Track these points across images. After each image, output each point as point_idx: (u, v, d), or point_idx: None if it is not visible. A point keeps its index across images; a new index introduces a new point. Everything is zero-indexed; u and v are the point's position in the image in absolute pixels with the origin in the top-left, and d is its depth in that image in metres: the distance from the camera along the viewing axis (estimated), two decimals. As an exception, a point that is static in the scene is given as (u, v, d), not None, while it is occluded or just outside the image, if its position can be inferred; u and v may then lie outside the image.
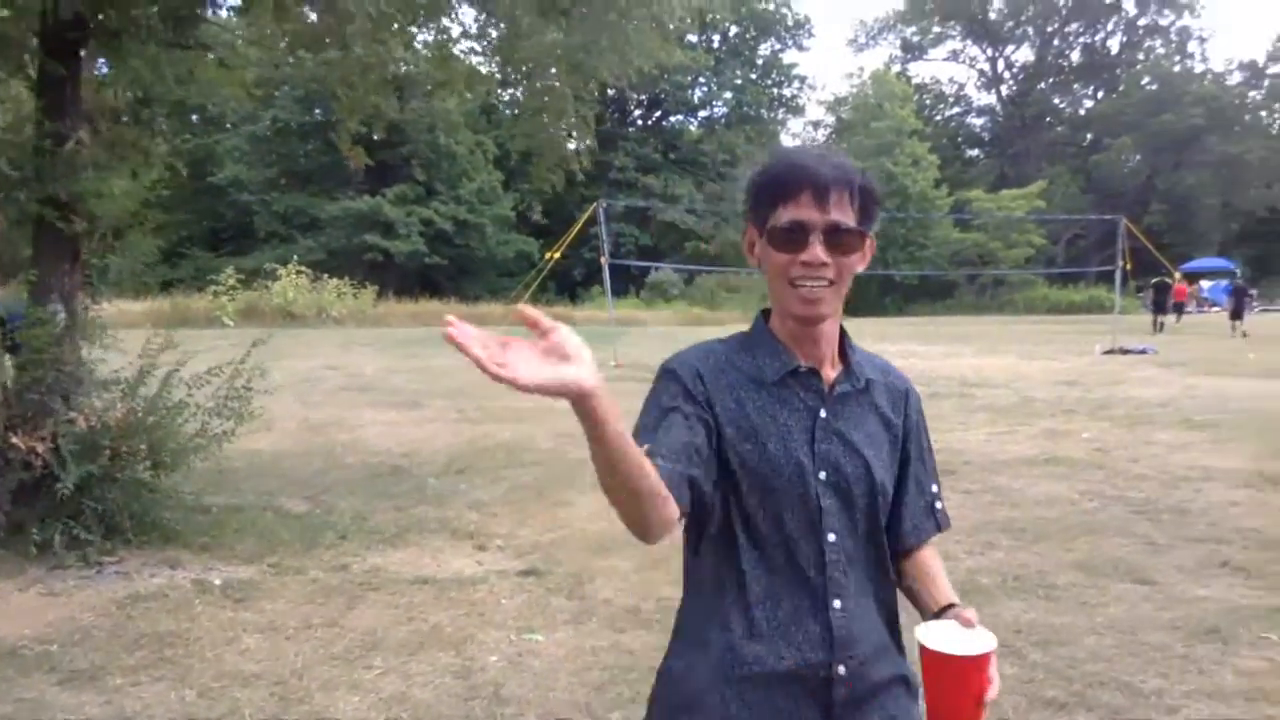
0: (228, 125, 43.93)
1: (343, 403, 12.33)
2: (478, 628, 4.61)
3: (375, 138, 11.19)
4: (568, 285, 47.14)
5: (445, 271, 46.82)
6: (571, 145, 9.87)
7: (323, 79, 8.31)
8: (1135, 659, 4.09)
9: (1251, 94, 68.83)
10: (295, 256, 32.54)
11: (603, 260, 17.61)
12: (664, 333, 30.82)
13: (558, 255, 16.35)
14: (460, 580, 5.42)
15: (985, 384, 14.27)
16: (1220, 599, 4.78)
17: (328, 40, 7.19)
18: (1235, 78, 68.88)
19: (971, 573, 5.31)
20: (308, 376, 14.38)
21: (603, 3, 7.79)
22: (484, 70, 9.57)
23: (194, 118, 36.65)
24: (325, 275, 31.93)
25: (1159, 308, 32.61)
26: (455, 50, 8.59)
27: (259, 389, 6.46)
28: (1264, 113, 68.46)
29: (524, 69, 8.12)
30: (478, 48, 9.55)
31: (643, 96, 57.57)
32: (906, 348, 22.67)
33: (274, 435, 9.13)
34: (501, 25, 8.68)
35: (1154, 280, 35.20)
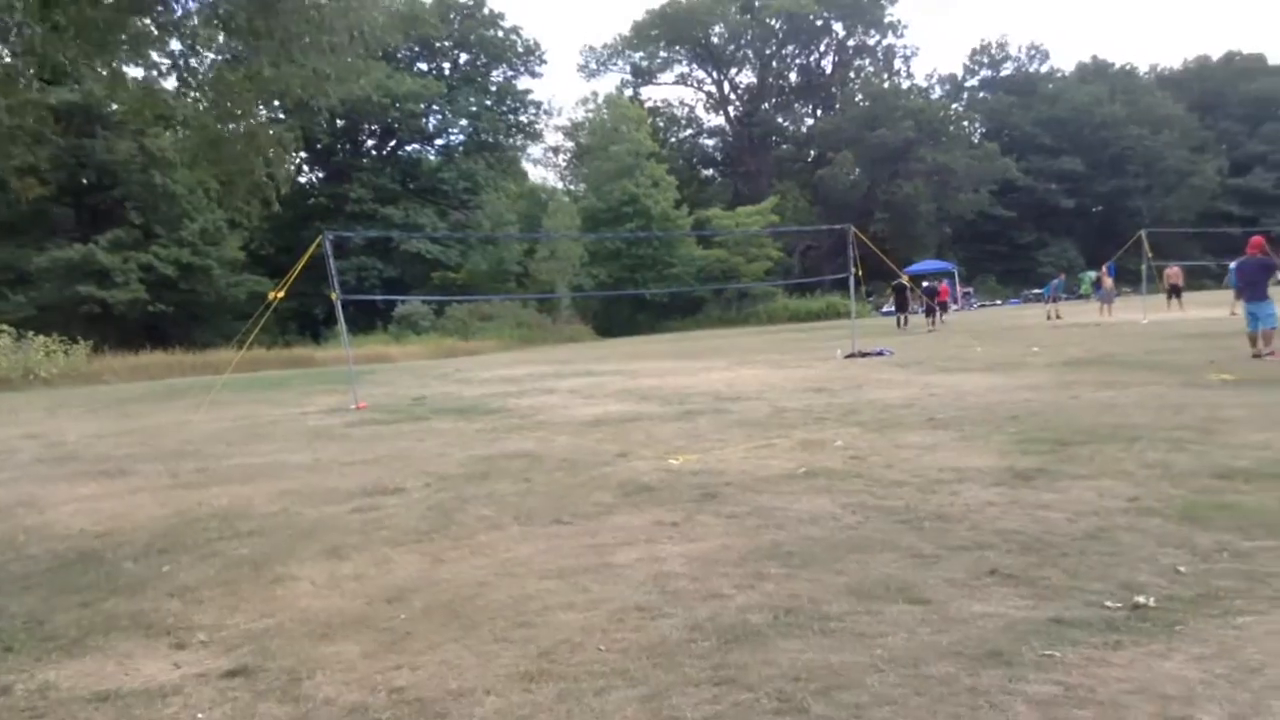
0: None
1: (36, 478, 10.75)
2: (160, 763, 3.71)
3: (84, 181, 9.81)
4: (310, 325, 44.92)
5: (171, 319, 43.54)
6: (288, 168, 8.92)
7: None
8: (923, 698, 3.71)
9: (954, 106, 74.79)
10: (-4, 316, 29.21)
11: (333, 297, 16.51)
12: (415, 368, 29.72)
13: (281, 295, 15.12)
14: (150, 692, 4.45)
15: (739, 397, 14.22)
16: (996, 614, 4.52)
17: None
18: (938, 91, 74.70)
19: (743, 611, 4.84)
20: (-5, 451, 12.53)
21: (295, 16, 6.98)
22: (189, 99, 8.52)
23: None
24: (31, 333, 28.85)
25: (901, 308, 34.55)
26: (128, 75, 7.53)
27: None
28: (965, 123, 74.56)
29: (205, 88, 7.19)
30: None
31: (374, 126, 55.95)
32: (661, 365, 22.67)
33: (-68, 530, 7.66)
34: (198, 52, 7.72)
35: (894, 283, 37.38)
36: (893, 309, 49.74)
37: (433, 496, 8.26)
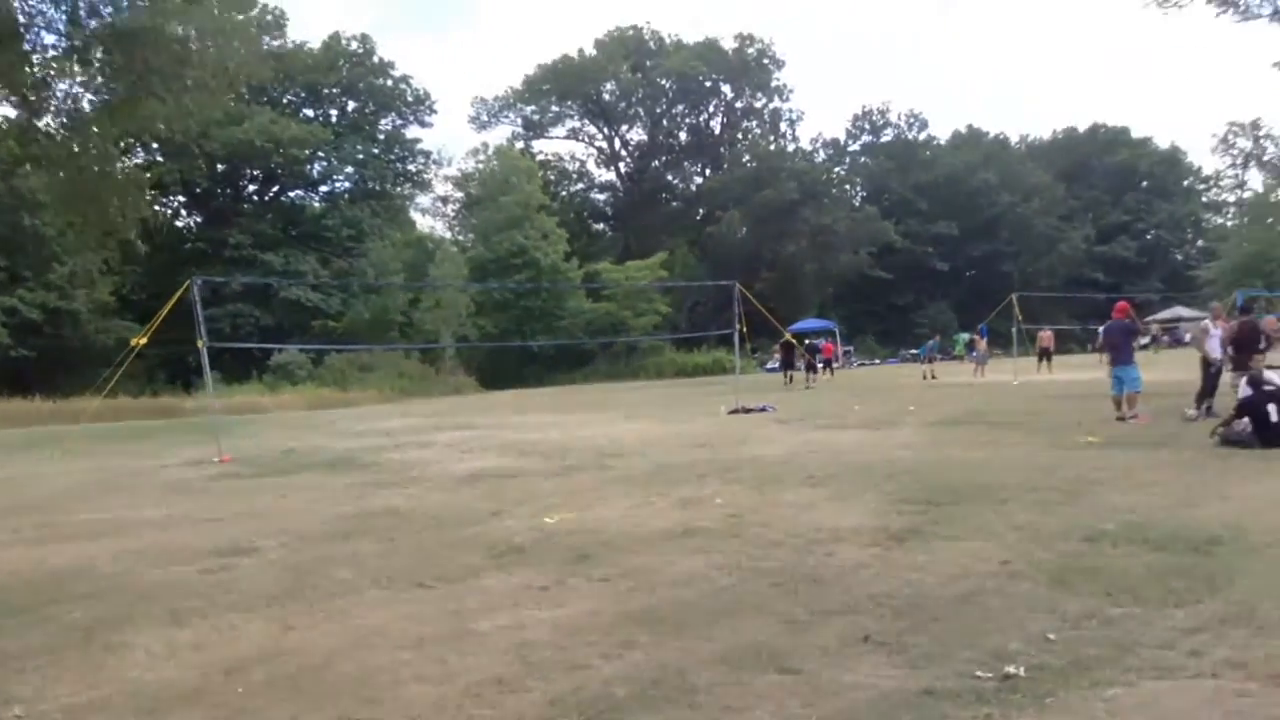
0: None
1: None
2: None
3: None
4: (181, 373, 43.19)
5: (36, 365, 41.41)
6: (148, 212, 8.46)
7: None
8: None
9: (837, 169, 76.99)
10: None
11: (200, 345, 15.83)
12: (288, 419, 28.75)
13: (143, 341, 14.44)
14: (-54, 782, 3.99)
15: (621, 453, 14.04)
16: (867, 684, 4.38)
17: None
18: (822, 155, 76.82)
19: (608, 684, 4.60)
20: None
21: (156, 50, 6.64)
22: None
23: None
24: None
25: (787, 365, 35.06)
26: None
27: None
28: (848, 186, 76.78)
29: (62, 123, 6.78)
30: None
31: (257, 171, 54.73)
32: (546, 419, 22.38)
33: None
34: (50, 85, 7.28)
35: (781, 340, 38.01)
36: (777, 365, 50.53)
37: (289, 557, 7.83)
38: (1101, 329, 17.41)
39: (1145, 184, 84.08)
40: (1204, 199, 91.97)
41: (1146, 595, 5.51)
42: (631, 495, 10.07)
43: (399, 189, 62.29)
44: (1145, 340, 39.18)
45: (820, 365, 41.85)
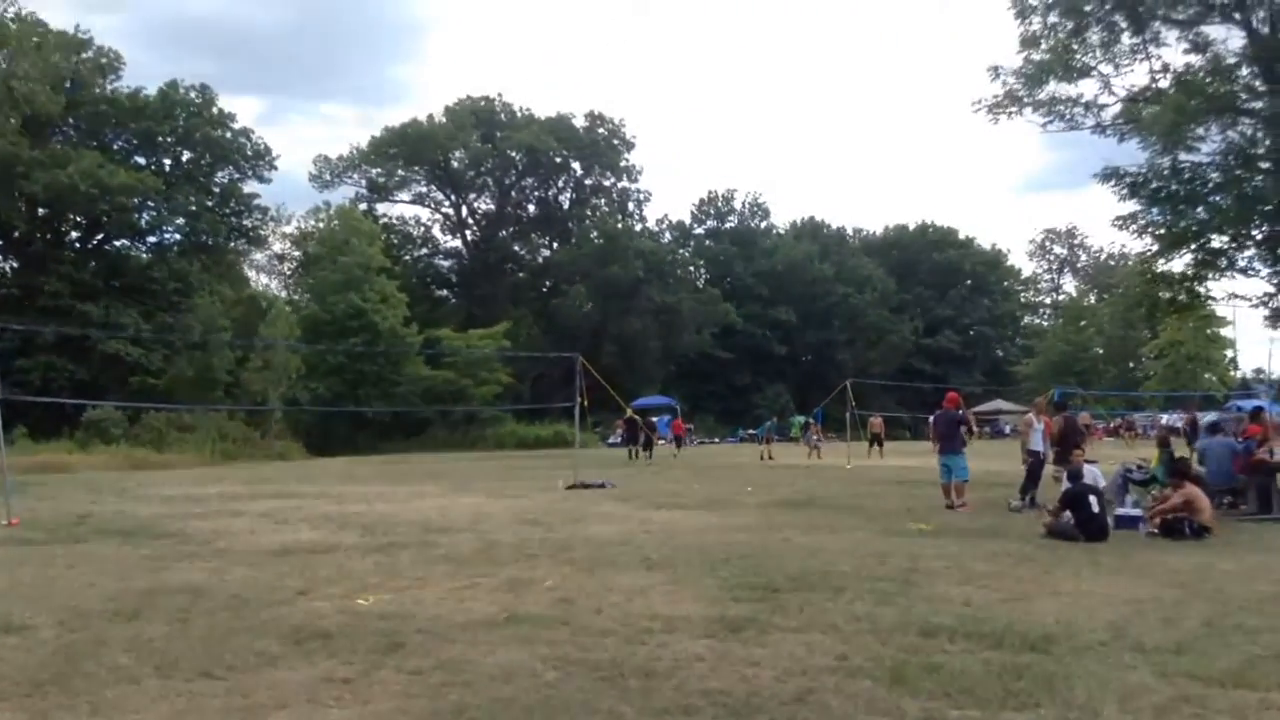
0: None
1: None
2: None
3: None
4: (-25, 426, 39.77)
5: None
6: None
7: None
8: None
9: (681, 251, 78.37)
10: None
11: (-8, 396, 14.40)
12: (95, 479, 26.66)
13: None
14: None
15: (449, 528, 13.35)
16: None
17: None
18: (668, 236, 78.11)
19: (408, 800, 4.04)
20: None
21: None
22: None
23: None
24: None
25: (631, 440, 34.87)
26: None
27: None
28: (691, 267, 78.18)
29: None
30: None
31: (80, 217, 51.71)
32: (374, 489, 21.38)
33: None
34: None
35: (625, 416, 37.95)
36: (619, 440, 50.41)
37: (64, 637, 6.93)
38: (932, 418, 17.79)
39: (969, 282, 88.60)
40: (1022, 299, 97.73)
41: (985, 696, 5.30)
42: (455, 576, 9.45)
43: (233, 244, 59.81)
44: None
45: (673, 442, 42.20)
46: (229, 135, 56.42)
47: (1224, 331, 64.68)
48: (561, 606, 7.86)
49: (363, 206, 66.37)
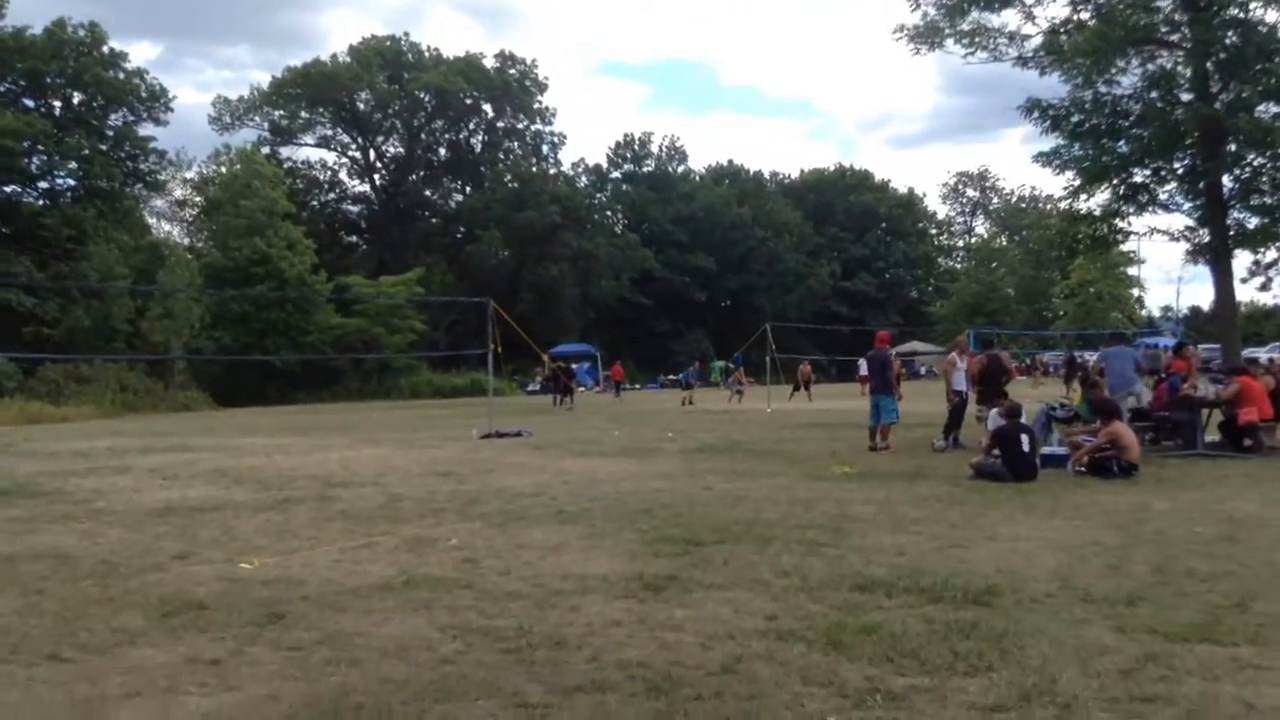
0: None
1: None
2: None
3: None
4: None
5: None
6: None
7: None
8: None
9: (599, 195, 77.20)
10: None
11: None
12: (-21, 437, 25.12)
13: None
14: None
15: (351, 482, 12.55)
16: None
17: None
18: (584, 180, 76.79)
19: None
20: None
21: None
22: None
23: None
24: None
25: (558, 386, 34.42)
26: None
27: None
28: (609, 213, 77.11)
29: None
30: None
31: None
32: (277, 441, 20.42)
33: None
34: None
35: (558, 364, 37.39)
36: (538, 388, 49.80)
37: (-103, 614, 6.06)
38: (864, 358, 17.43)
39: (885, 225, 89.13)
40: (936, 242, 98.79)
41: (933, 661, 4.78)
42: (353, 534, 8.71)
43: (130, 189, 56.93)
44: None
45: (613, 388, 41.99)
46: (121, 76, 53.46)
47: (1131, 271, 66.28)
48: (466, 567, 7.19)
49: (265, 150, 63.77)
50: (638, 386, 60.94)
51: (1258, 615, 5.45)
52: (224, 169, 58.47)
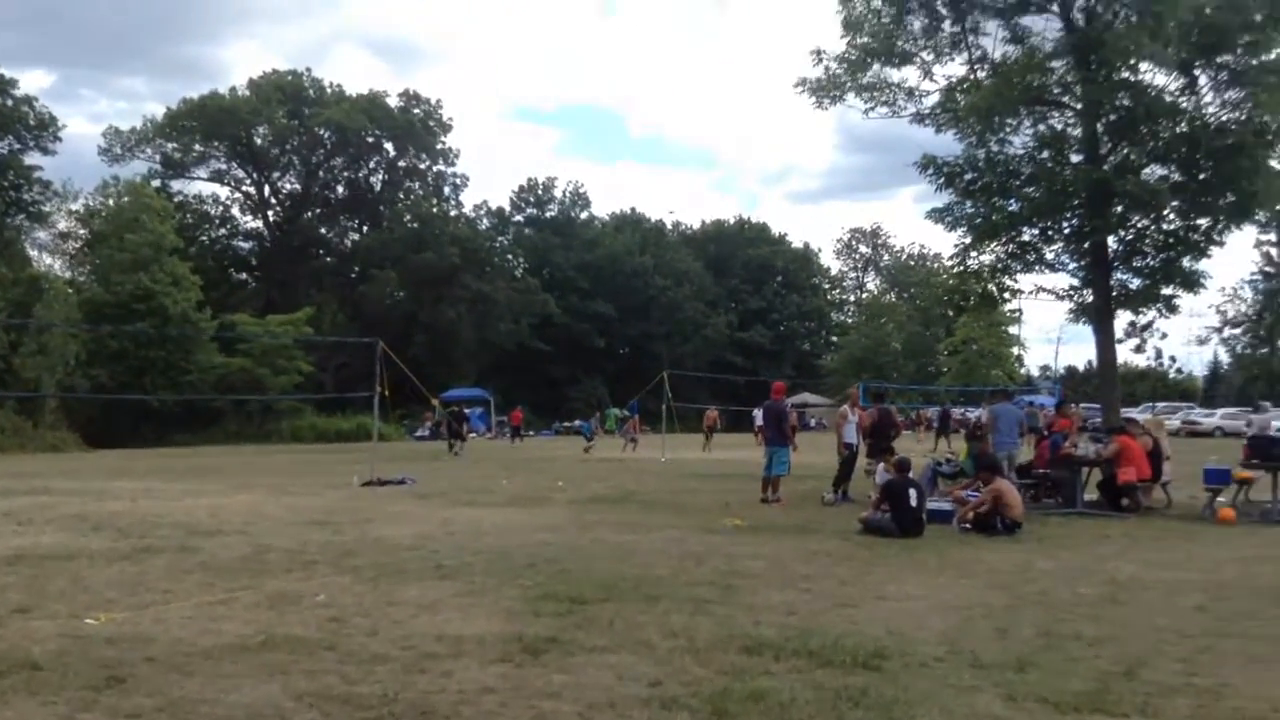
0: None
1: None
2: None
3: None
4: None
5: None
6: None
7: None
8: None
9: (499, 239, 76.64)
10: None
11: None
12: None
13: None
14: None
15: (218, 531, 11.85)
16: None
17: None
18: (485, 223, 76.19)
19: None
20: None
21: None
22: None
23: None
24: None
25: (453, 433, 33.84)
26: None
27: None
28: (510, 256, 76.57)
29: None
30: None
31: None
32: (145, 484, 19.38)
33: None
34: None
35: (450, 409, 36.73)
36: (427, 433, 48.89)
37: None
38: (760, 410, 17.36)
39: (781, 278, 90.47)
40: (829, 296, 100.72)
41: (822, 731, 4.54)
42: (212, 588, 8.13)
43: (11, 220, 54.30)
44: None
45: (510, 433, 41.45)
46: (10, 103, 51.28)
47: (1013, 329, 68.57)
48: (331, 627, 6.71)
49: (156, 183, 61.66)
50: (531, 433, 60.22)
51: (1145, 684, 5.36)
52: (111, 201, 56.33)
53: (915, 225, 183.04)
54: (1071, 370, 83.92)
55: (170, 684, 5.38)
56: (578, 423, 37.11)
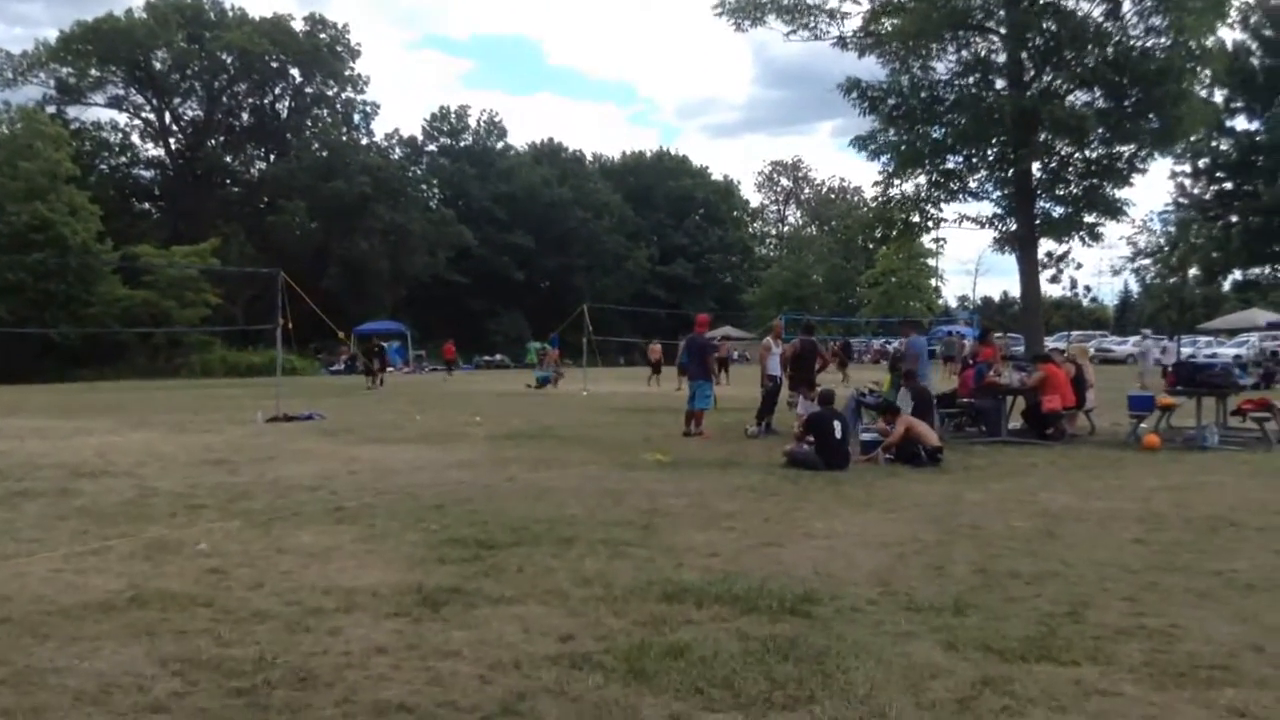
0: None
1: None
2: None
3: None
4: None
5: None
6: None
7: None
8: None
9: (413, 168, 74.52)
10: None
11: None
12: None
13: None
14: None
15: (105, 472, 11.07)
16: None
17: None
18: (398, 152, 73.97)
19: None
20: None
21: None
22: None
23: None
24: None
25: (369, 369, 33.06)
26: None
27: None
28: (424, 186, 74.58)
29: None
30: None
31: None
32: (36, 423, 18.31)
33: None
34: None
35: (367, 343, 35.81)
36: (341, 367, 47.73)
37: None
38: (684, 342, 16.98)
39: (702, 211, 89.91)
40: (751, 230, 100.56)
41: (747, 691, 4.10)
42: (85, 537, 7.43)
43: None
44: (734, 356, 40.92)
45: (444, 368, 40.74)
46: None
47: (931, 261, 69.24)
48: (210, 579, 6.10)
49: (51, 109, 58.51)
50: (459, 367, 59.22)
51: (1093, 626, 5.02)
52: (4, 128, 53.36)
53: (835, 159, 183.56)
54: (988, 301, 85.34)
55: (21, 650, 4.76)
56: (535, 373, 36.05)
